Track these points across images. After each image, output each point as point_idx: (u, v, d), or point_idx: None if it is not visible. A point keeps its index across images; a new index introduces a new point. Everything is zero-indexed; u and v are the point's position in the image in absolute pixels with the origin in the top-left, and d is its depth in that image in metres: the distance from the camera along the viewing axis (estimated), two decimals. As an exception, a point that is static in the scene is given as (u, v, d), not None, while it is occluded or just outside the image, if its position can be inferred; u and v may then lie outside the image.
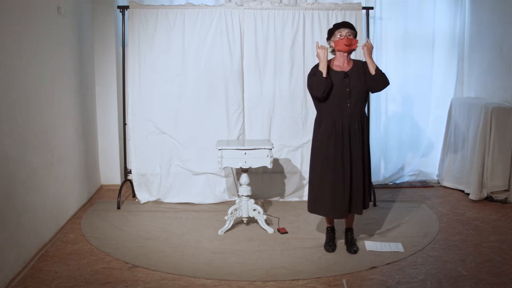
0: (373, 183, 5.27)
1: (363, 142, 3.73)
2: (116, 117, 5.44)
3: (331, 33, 3.73)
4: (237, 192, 4.69)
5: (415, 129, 5.77)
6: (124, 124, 5.08)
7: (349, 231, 3.92)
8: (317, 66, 3.68)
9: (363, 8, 5.03)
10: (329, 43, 3.76)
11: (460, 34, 5.70)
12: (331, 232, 3.93)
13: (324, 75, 3.59)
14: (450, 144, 5.58)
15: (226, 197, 5.07)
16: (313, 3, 5.06)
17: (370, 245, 3.91)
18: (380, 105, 5.66)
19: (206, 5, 4.96)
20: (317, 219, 4.46)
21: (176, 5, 4.95)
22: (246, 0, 5.04)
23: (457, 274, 3.43)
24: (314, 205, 3.79)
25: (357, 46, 3.69)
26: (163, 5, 4.99)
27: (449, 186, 5.55)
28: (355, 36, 3.68)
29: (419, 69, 5.67)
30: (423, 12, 5.60)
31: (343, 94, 3.62)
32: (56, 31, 4.18)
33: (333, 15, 4.93)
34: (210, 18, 4.88)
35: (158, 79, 4.93)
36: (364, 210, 3.79)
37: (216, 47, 4.90)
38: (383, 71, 3.70)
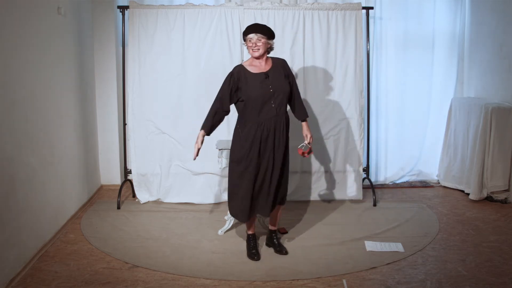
0: (373, 183, 5.28)
1: (286, 143, 3.66)
2: (116, 117, 5.43)
3: (244, 35, 3.62)
4: (237, 192, 4.69)
5: (415, 129, 5.77)
6: (124, 124, 5.08)
7: (273, 232, 3.88)
8: (229, 81, 3.61)
9: (363, 8, 5.03)
10: (244, 43, 3.66)
11: (460, 34, 5.70)
12: (253, 240, 3.82)
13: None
14: (450, 144, 5.58)
15: (226, 197, 5.06)
16: (313, 3, 5.06)
17: (370, 245, 3.92)
18: (380, 104, 5.66)
19: (206, 5, 4.96)
20: (317, 219, 4.46)
21: (176, 5, 4.95)
22: (246, 0, 5.04)
23: (457, 274, 3.43)
24: (236, 208, 3.69)
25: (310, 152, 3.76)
26: (163, 5, 4.99)
27: (449, 186, 5.55)
28: (269, 37, 3.58)
29: (419, 69, 5.66)
30: (423, 12, 5.60)
31: (267, 95, 3.52)
32: (56, 31, 4.17)
33: (333, 15, 4.94)
34: (210, 18, 4.88)
35: (158, 79, 4.93)
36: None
37: (216, 47, 4.90)
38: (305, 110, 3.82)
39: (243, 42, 3.68)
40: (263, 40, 3.55)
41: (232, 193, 3.70)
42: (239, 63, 4.89)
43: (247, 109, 3.57)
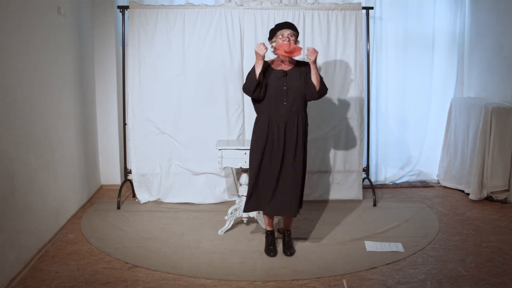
0: (373, 183, 5.27)
1: (297, 144, 3.64)
2: (116, 117, 5.43)
3: (272, 33, 3.69)
4: (237, 192, 4.69)
5: (415, 129, 5.77)
6: (124, 124, 5.08)
7: (286, 232, 3.89)
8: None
9: (363, 8, 5.03)
10: (270, 43, 3.73)
11: (460, 34, 5.70)
12: (270, 236, 3.85)
13: (257, 75, 3.54)
14: (450, 144, 5.58)
15: (226, 197, 5.07)
16: (313, 3, 5.06)
17: (370, 245, 3.91)
18: (380, 105, 5.66)
19: (206, 5, 4.96)
20: (317, 219, 4.46)
21: (176, 5, 4.95)
22: (246, 0, 5.04)
23: (457, 274, 3.43)
24: (250, 203, 3.76)
25: (300, 54, 3.59)
26: (163, 5, 4.99)
27: (449, 186, 5.55)
28: (297, 37, 3.65)
29: (419, 69, 5.67)
30: (423, 12, 5.60)
31: (280, 92, 3.59)
32: (56, 31, 4.17)
33: (333, 15, 4.94)
34: (210, 18, 4.88)
35: (158, 79, 4.93)
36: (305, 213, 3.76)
37: (216, 47, 4.90)
38: (323, 80, 3.68)
39: (269, 41, 3.74)
40: (293, 37, 3.62)
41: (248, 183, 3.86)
42: (239, 63, 4.95)
43: (260, 104, 3.68)
